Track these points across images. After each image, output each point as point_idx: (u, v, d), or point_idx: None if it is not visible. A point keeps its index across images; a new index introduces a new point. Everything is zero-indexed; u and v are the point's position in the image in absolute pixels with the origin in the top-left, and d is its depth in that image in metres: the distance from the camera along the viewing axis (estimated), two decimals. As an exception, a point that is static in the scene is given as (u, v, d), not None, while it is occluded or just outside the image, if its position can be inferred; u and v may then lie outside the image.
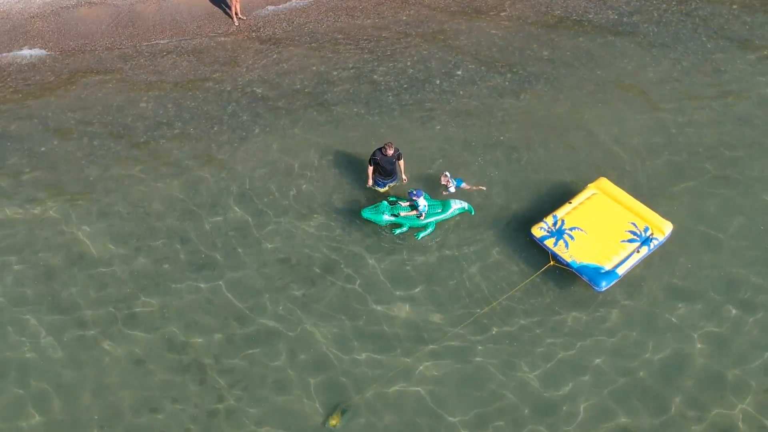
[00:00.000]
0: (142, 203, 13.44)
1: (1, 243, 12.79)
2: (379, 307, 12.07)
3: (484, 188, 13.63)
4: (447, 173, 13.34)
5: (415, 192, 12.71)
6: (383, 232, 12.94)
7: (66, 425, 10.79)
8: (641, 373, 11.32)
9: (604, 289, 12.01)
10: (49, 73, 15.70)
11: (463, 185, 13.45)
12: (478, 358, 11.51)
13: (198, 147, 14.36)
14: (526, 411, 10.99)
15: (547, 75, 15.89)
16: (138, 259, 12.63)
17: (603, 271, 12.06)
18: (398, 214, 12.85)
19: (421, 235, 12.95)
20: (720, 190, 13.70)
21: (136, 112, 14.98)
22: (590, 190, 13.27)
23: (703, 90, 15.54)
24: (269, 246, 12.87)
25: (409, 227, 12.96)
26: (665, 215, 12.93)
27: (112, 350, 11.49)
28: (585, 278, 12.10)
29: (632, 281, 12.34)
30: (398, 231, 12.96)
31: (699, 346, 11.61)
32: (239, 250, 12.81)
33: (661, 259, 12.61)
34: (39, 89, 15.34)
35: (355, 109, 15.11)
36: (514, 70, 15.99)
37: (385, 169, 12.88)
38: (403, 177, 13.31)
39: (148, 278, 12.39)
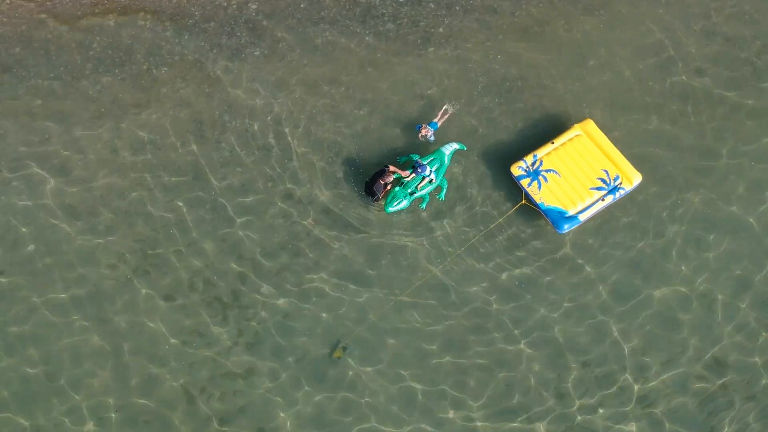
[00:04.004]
0: (151, 138, 14.40)
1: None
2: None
3: (451, 110, 14.36)
4: (420, 125, 13.97)
5: (418, 163, 13.46)
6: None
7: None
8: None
9: (564, 231, 13.51)
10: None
11: (438, 124, 14.15)
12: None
13: (198, 75, 14.88)
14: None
15: (544, -14, 15.77)
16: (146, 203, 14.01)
17: (566, 215, 13.43)
18: (415, 189, 13.58)
19: (443, 194, 13.84)
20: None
21: (134, 32, 15.20)
22: (575, 130, 14.10)
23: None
24: (271, 186, 14.11)
25: (428, 195, 13.77)
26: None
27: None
28: (549, 219, 13.54)
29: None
30: (424, 204, 13.75)
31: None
32: (244, 189, 14.09)
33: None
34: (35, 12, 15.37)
35: (350, 30, 15.27)
36: (511, -20, 15.82)
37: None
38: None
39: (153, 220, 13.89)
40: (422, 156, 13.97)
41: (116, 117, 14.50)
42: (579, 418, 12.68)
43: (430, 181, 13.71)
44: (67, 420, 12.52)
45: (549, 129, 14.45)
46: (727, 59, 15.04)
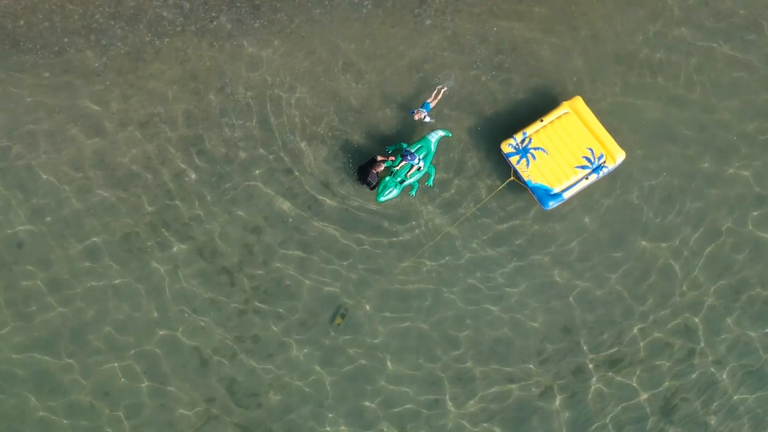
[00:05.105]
0: (156, 112, 14.97)
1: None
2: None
3: (444, 89, 14.81)
4: (413, 110, 14.39)
5: (407, 152, 14.02)
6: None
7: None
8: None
9: (549, 208, 14.36)
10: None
11: (431, 105, 14.60)
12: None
13: (200, 47, 15.25)
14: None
15: (541, -47, 15.84)
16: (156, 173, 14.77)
17: (551, 193, 14.21)
18: (404, 177, 14.14)
19: (431, 180, 14.47)
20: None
21: (136, 3, 15.41)
22: (563, 108, 14.61)
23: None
24: (272, 158, 14.83)
25: (417, 182, 14.39)
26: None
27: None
28: (535, 197, 14.35)
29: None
30: (414, 191, 14.40)
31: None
32: (246, 162, 14.82)
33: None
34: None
35: (348, 0, 15.49)
36: (508, -52, 15.86)
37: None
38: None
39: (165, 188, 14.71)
40: (410, 144, 14.50)
41: (120, 90, 15.00)
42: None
43: (419, 169, 14.29)
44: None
45: (540, 103, 14.98)
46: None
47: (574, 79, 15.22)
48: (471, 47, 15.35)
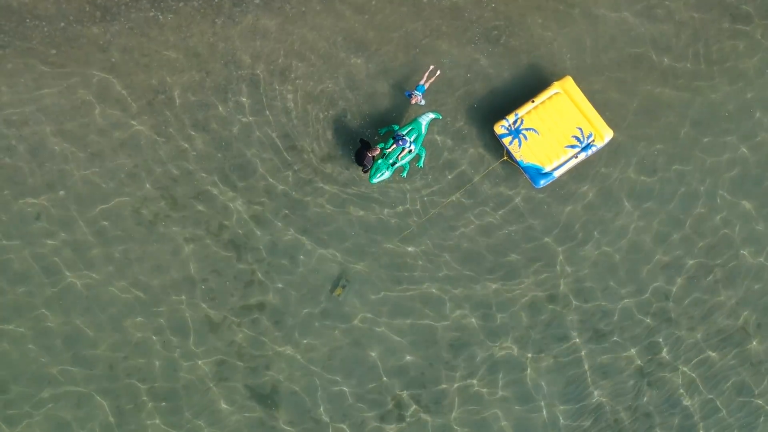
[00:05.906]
0: (161, 88, 15.42)
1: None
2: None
3: (438, 72, 15.20)
4: (410, 93, 14.83)
5: (399, 136, 14.53)
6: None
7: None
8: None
9: (540, 186, 15.05)
10: None
11: (425, 87, 14.98)
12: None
13: (202, 23, 15.55)
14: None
15: (539, -72, 15.92)
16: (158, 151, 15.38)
17: (543, 172, 14.90)
18: (396, 160, 14.67)
19: (422, 162, 15.03)
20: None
21: (138, -23, 15.64)
22: (554, 88, 15.10)
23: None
24: (274, 134, 15.40)
25: (408, 164, 14.94)
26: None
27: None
28: (527, 176, 15.03)
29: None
30: (405, 173, 14.96)
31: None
32: (249, 139, 15.41)
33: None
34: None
35: (347, -24, 15.75)
36: None
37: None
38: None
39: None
40: (401, 126, 15.00)
41: (125, 66, 15.40)
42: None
43: (410, 151, 14.81)
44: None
45: (533, 82, 15.42)
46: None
47: (568, 56, 15.61)
48: (468, 24, 15.65)
